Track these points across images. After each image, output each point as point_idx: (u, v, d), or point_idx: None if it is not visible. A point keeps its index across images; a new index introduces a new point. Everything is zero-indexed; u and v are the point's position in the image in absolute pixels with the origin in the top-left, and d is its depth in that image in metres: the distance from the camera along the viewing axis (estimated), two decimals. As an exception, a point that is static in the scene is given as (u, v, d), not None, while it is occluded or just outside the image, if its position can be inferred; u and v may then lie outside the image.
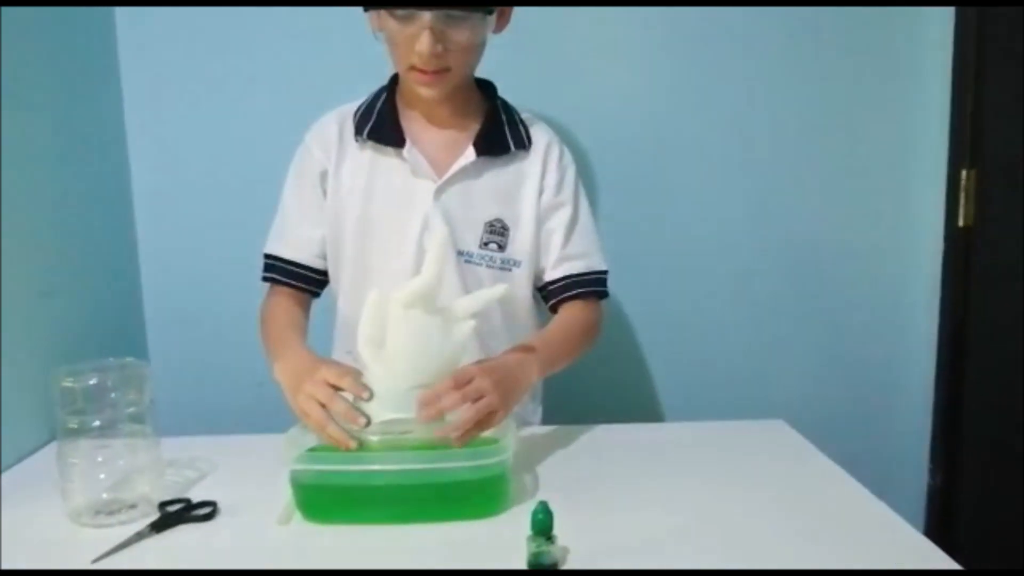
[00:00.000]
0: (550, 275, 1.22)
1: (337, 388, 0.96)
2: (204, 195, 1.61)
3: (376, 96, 1.20)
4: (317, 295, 1.25)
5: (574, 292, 1.21)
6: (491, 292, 1.02)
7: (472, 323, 0.98)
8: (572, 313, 1.21)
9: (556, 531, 0.82)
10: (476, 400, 0.96)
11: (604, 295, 1.24)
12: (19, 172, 1.21)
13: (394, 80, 1.21)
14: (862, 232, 1.67)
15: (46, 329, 1.28)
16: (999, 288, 1.54)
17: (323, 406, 0.96)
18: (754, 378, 1.70)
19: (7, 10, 1.19)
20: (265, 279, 1.23)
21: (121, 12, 1.54)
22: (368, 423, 0.95)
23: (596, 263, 1.23)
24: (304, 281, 1.22)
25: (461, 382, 0.96)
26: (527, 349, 1.11)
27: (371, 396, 0.96)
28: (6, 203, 1.17)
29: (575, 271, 1.21)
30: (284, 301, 1.21)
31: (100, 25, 1.52)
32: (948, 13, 1.58)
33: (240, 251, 1.53)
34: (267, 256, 1.23)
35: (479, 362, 1.04)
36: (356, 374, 0.98)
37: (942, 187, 1.63)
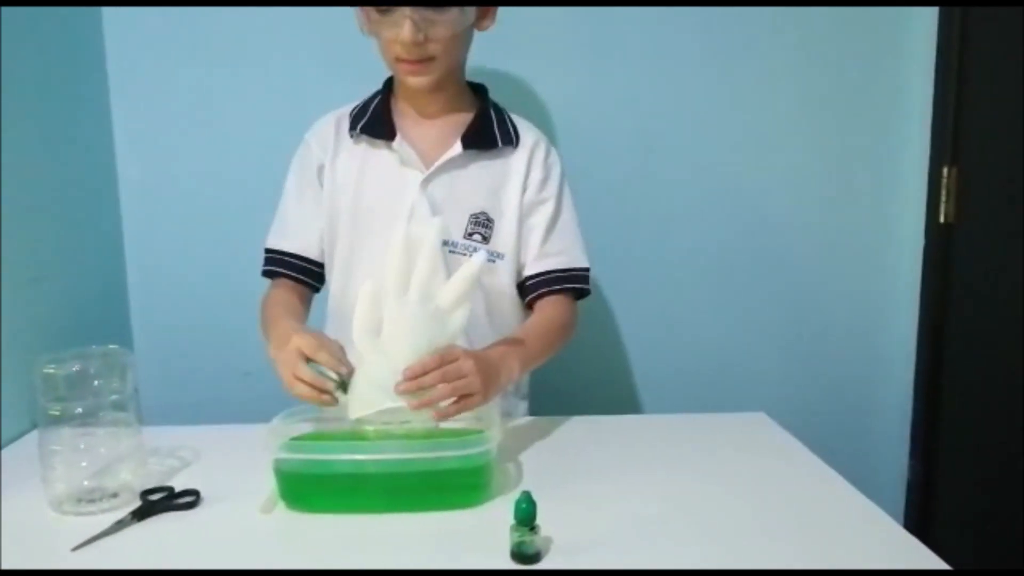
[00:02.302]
0: (529, 270, 1.23)
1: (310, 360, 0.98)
2: (190, 185, 1.60)
3: (371, 97, 1.24)
4: (317, 290, 1.26)
5: (552, 288, 1.22)
6: (468, 269, 1.00)
7: (464, 311, 1.00)
8: (550, 310, 1.22)
9: (539, 521, 0.82)
10: (456, 380, 0.98)
11: (584, 293, 1.26)
12: (4, 161, 1.21)
13: (388, 84, 1.24)
14: (844, 228, 1.69)
15: (30, 317, 1.27)
16: (979, 284, 1.55)
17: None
18: (736, 372, 1.71)
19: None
20: (265, 273, 1.24)
21: (108, 9, 1.54)
22: (340, 386, 0.97)
23: (576, 260, 1.24)
24: (304, 273, 1.24)
25: (447, 359, 0.98)
26: (510, 344, 1.12)
27: (350, 371, 0.97)
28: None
29: (554, 267, 1.23)
30: (283, 293, 1.22)
31: (87, 20, 1.52)
32: (931, 12, 1.60)
33: (226, 240, 1.54)
34: (268, 251, 1.25)
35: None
36: (333, 348, 0.99)
37: (923, 184, 1.64)
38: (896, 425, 1.74)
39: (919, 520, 1.69)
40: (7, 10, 1.23)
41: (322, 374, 0.97)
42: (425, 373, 0.96)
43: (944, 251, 1.62)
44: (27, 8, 1.29)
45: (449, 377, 0.97)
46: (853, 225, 1.69)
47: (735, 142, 1.64)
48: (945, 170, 1.59)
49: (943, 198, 1.60)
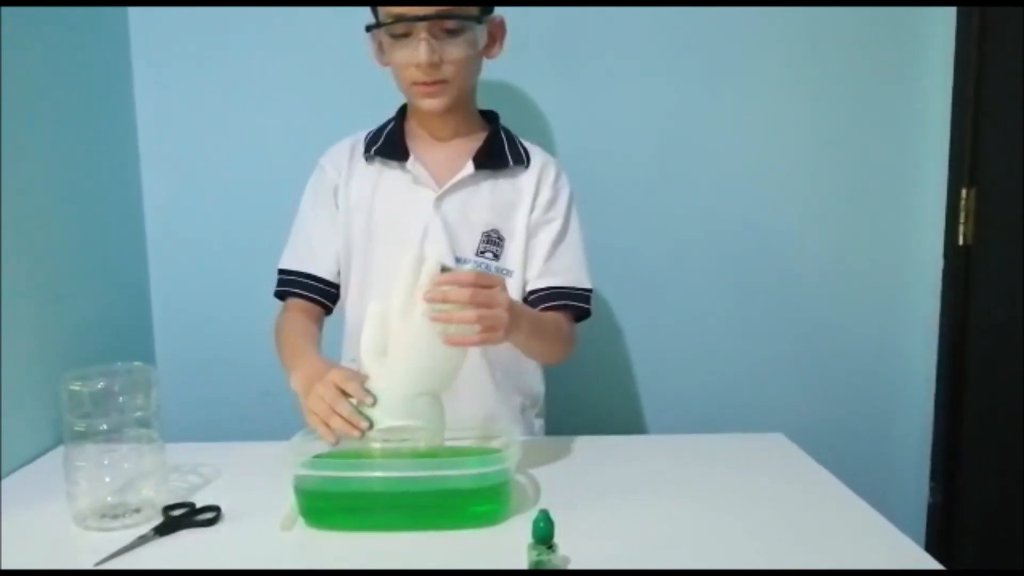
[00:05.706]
0: (532, 285, 1.24)
1: (344, 392, 0.98)
2: (214, 202, 1.62)
3: (385, 124, 1.28)
4: (329, 311, 1.27)
5: (553, 303, 1.22)
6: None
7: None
8: (553, 316, 1.22)
9: (557, 540, 0.82)
10: (485, 308, 0.96)
11: (585, 313, 1.25)
12: (28, 175, 1.23)
13: (401, 111, 1.28)
14: (863, 249, 1.68)
15: (55, 333, 1.29)
16: (999, 306, 1.54)
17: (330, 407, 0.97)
18: (753, 393, 1.70)
19: (17, 11, 1.20)
20: (279, 293, 1.26)
21: (135, 12, 1.56)
22: (371, 426, 0.96)
23: (578, 280, 1.25)
24: (318, 293, 1.24)
25: (482, 283, 0.96)
26: (526, 310, 1.13)
27: (374, 401, 0.97)
28: (15, 206, 1.18)
29: (556, 283, 1.23)
30: (298, 315, 1.23)
31: (113, 26, 1.54)
32: (948, 32, 1.60)
33: (248, 258, 1.56)
34: (282, 271, 1.26)
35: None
36: (362, 379, 0.99)
37: (942, 205, 1.64)
38: (916, 447, 1.72)
39: (940, 545, 1.67)
40: (32, 26, 1.25)
41: (358, 413, 0.97)
42: (455, 280, 0.95)
43: (963, 273, 1.61)
44: (51, 10, 1.31)
45: (479, 300, 0.95)
46: (872, 246, 1.68)
47: (750, 162, 1.65)
48: (963, 191, 1.59)
49: (961, 219, 1.59)
